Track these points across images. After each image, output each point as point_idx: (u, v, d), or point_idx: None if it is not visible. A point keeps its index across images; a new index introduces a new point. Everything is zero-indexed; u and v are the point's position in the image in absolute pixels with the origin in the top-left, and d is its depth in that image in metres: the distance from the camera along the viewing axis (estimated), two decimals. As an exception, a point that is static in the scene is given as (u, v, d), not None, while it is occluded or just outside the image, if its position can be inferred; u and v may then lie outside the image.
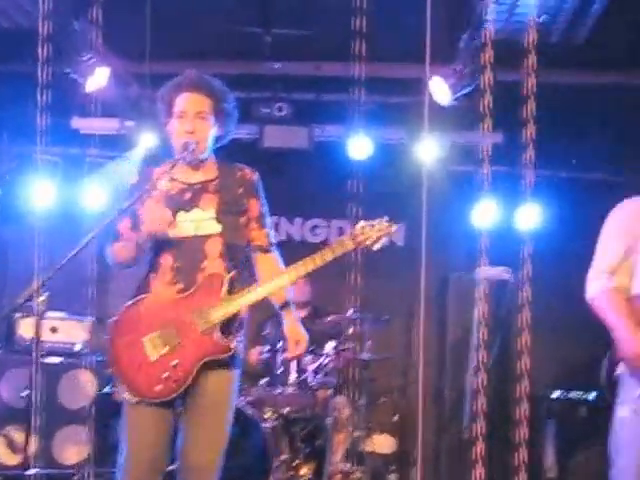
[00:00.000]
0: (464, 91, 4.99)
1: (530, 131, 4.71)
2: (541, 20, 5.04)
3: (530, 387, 5.15)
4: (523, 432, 5.28)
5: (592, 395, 5.42)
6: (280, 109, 6.11)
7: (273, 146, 6.17)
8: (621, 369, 3.35)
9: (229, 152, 3.29)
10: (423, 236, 4.57)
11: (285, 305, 3.19)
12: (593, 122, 5.86)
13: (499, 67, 4.99)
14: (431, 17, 4.59)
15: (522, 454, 5.24)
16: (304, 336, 3.16)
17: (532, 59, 4.56)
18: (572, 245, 5.32)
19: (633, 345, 3.22)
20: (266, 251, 3.23)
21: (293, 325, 3.17)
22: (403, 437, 5.79)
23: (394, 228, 3.14)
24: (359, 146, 5.88)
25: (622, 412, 3.31)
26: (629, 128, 5.90)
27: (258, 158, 6.21)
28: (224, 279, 3.00)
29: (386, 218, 3.13)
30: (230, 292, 3.00)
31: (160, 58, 5.47)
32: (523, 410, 5.23)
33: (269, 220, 3.26)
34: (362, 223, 3.11)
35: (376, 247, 3.09)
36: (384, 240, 3.11)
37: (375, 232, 3.09)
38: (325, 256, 3.04)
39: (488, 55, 4.50)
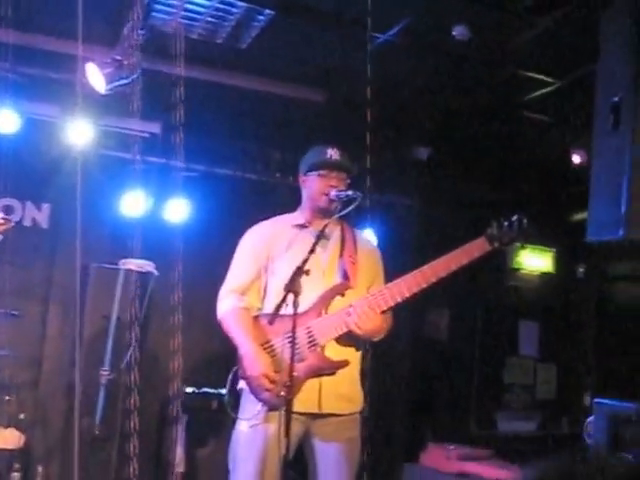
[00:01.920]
0: (123, 81, 4.82)
1: (179, 125, 4.71)
2: (208, 20, 5.06)
3: (163, 383, 5.19)
4: (176, 430, 5.33)
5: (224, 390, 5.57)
6: None
7: None
8: (243, 385, 3.48)
9: None
10: (78, 222, 4.35)
11: None
12: (249, 124, 6.01)
13: (163, 60, 4.92)
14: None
15: (175, 451, 5.30)
16: None
17: (181, 57, 4.56)
18: (219, 243, 5.42)
19: (255, 366, 3.35)
20: None
21: None
22: (30, 433, 5.53)
23: None
24: (5, 118, 5.46)
25: (241, 426, 3.45)
26: (282, 134, 6.14)
27: None
28: None
29: None
30: None
31: None
32: (176, 408, 5.26)
33: None
34: None
35: None
36: None
37: None
38: None
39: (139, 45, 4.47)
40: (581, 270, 7.64)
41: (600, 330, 7.29)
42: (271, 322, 3.19)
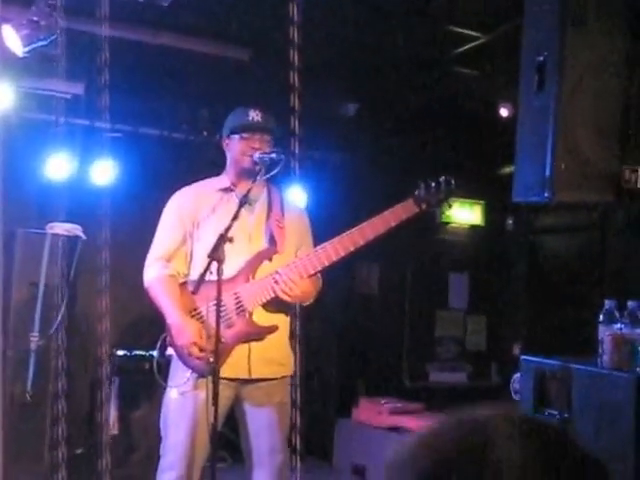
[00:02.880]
0: (41, 43, 4.66)
1: (103, 86, 4.61)
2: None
3: (94, 346, 5.15)
4: (105, 392, 5.31)
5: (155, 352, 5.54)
6: None
7: None
8: (172, 352, 3.47)
9: None
10: (1, 187, 4.24)
11: None
12: (175, 83, 5.90)
13: (84, 19, 4.79)
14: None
15: (108, 414, 5.28)
16: None
17: (105, 13, 4.44)
18: (147, 204, 5.33)
19: (184, 334, 3.35)
20: None
21: None
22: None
23: None
24: None
25: (171, 394, 3.45)
26: (208, 92, 6.05)
27: None
28: None
29: None
30: None
31: None
32: (105, 370, 5.23)
33: None
34: None
35: None
36: None
37: None
38: None
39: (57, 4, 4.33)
40: (510, 222, 7.75)
41: (529, 281, 7.45)
42: (195, 291, 3.17)
